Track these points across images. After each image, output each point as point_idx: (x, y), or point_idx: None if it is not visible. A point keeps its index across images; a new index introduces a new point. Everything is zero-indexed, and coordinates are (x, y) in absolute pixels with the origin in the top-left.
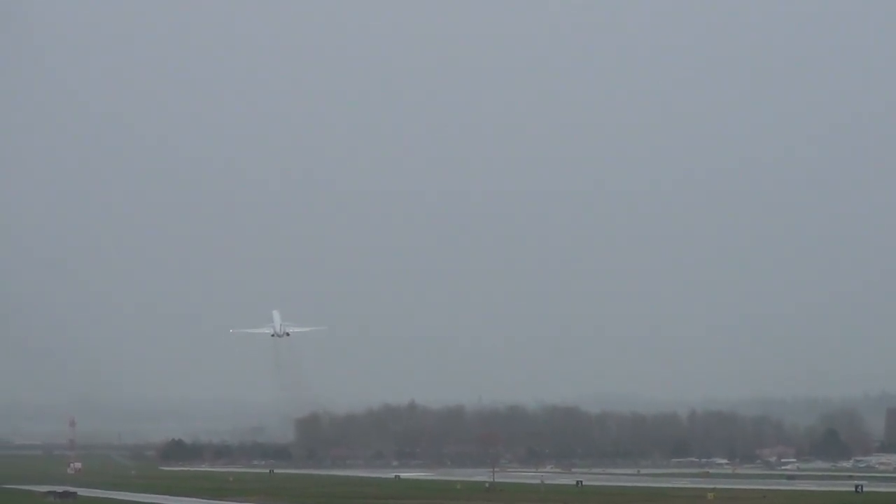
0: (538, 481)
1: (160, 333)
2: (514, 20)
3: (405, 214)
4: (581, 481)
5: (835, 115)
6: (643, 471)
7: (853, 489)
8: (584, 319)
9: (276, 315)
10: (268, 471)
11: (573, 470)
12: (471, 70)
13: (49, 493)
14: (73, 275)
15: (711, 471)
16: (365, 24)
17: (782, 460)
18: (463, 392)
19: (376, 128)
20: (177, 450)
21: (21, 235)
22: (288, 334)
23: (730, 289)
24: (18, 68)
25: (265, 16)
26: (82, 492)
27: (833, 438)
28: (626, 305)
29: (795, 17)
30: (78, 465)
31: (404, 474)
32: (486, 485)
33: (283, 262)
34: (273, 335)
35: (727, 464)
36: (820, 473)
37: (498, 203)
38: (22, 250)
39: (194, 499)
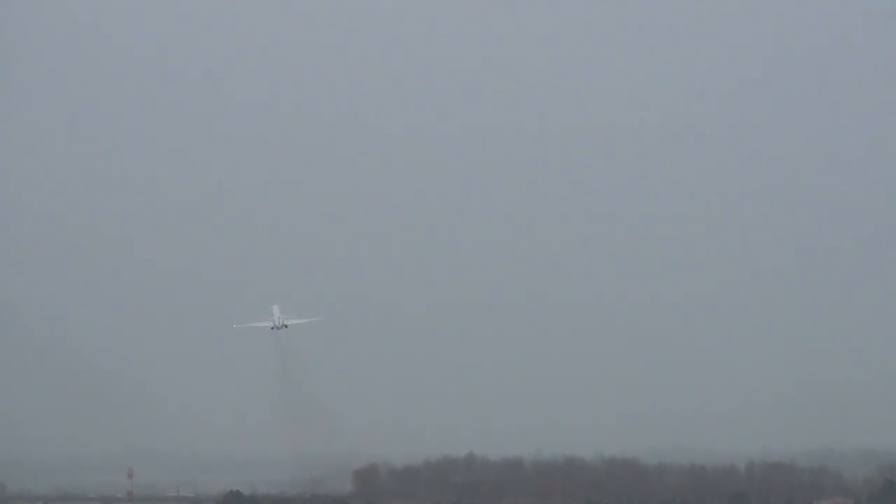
0: None
1: (216, 383)
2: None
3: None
4: None
5: None
6: None
7: None
8: (644, 370)
9: (275, 309)
10: None
11: None
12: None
13: None
14: (129, 325)
15: None
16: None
17: None
18: (521, 443)
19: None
20: (235, 501)
21: (77, 288)
22: (286, 326)
23: (789, 340)
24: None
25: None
26: None
27: (891, 489)
28: (686, 355)
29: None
30: None
31: None
32: None
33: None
34: (273, 327)
35: None
36: None
37: (549, 240)
38: (78, 305)
39: None
